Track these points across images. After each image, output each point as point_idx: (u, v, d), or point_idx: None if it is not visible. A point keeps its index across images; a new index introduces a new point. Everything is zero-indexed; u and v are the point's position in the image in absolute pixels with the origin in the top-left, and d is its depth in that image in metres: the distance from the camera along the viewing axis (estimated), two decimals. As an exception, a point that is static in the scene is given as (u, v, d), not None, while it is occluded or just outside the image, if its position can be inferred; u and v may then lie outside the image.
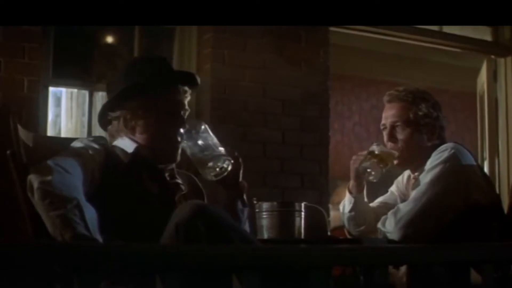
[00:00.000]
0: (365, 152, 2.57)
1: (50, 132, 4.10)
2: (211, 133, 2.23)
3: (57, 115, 4.90)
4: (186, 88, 2.27)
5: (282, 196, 3.89)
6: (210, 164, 2.16)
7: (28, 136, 2.23)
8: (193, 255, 1.43)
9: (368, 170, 2.54)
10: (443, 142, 2.60)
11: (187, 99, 2.28)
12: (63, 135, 4.62)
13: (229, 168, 2.17)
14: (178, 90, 2.25)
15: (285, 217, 2.48)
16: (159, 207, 2.12)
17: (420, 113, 2.58)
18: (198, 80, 2.33)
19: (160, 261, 1.40)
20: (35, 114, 3.46)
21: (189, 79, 2.32)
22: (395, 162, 2.60)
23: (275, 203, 2.52)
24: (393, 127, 2.61)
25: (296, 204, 2.51)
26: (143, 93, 2.21)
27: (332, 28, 4.27)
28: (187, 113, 2.28)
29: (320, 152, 4.16)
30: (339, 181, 6.04)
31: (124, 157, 2.20)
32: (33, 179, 1.94)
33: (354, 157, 2.61)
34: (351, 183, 2.64)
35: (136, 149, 2.20)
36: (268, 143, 3.99)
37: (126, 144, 2.22)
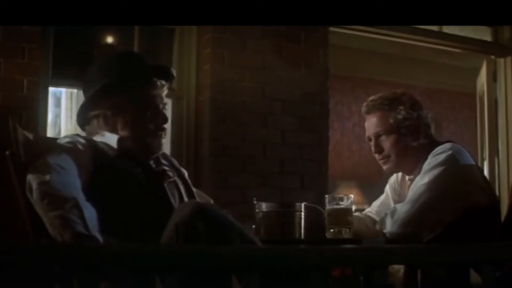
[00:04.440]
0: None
1: (50, 132, 4.11)
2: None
3: (57, 115, 4.91)
4: (163, 81, 2.31)
5: (282, 196, 3.89)
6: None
7: (28, 137, 2.23)
8: (193, 255, 1.43)
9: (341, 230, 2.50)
10: (430, 140, 2.61)
11: (165, 91, 2.32)
12: (63, 135, 4.62)
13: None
14: (153, 84, 2.28)
15: (285, 218, 2.48)
16: (149, 197, 2.13)
17: (400, 116, 2.58)
18: (173, 72, 2.38)
19: (160, 261, 1.40)
20: (35, 114, 3.46)
21: (163, 73, 2.35)
22: (385, 168, 2.61)
23: (275, 203, 2.52)
24: (377, 138, 2.62)
25: (296, 204, 2.51)
26: (119, 90, 2.24)
27: (331, 29, 4.27)
28: (166, 105, 2.32)
29: (319, 152, 4.16)
30: (339, 181, 6.05)
31: (110, 150, 2.21)
32: (32, 179, 1.94)
33: None
34: None
35: (119, 141, 2.22)
36: (268, 143, 3.99)
37: (108, 138, 2.24)
